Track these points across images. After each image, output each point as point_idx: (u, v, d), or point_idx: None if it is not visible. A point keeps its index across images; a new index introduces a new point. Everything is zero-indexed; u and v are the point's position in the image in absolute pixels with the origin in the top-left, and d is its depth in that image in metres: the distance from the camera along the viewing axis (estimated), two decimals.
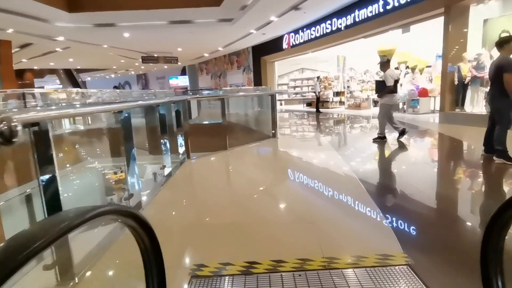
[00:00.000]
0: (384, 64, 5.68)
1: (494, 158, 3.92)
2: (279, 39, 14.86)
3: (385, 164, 4.69)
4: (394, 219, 2.52)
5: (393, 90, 5.66)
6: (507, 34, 6.47)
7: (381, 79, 5.78)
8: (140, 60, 17.66)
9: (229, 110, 8.57)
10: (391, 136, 6.05)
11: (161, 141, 4.27)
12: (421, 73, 11.38)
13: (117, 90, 6.21)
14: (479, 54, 6.88)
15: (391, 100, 5.74)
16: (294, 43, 13.89)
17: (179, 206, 3.23)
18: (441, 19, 7.57)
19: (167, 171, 4.13)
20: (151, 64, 19.40)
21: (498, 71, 3.75)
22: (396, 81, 5.69)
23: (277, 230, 2.43)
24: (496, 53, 6.88)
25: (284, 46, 14.64)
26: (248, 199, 3.23)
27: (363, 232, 2.33)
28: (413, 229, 2.35)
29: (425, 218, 2.65)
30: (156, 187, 3.67)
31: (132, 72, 29.95)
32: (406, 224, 2.43)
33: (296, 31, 13.57)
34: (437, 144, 6.03)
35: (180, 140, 5.09)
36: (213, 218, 2.79)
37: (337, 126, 9.66)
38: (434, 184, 3.66)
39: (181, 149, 5.06)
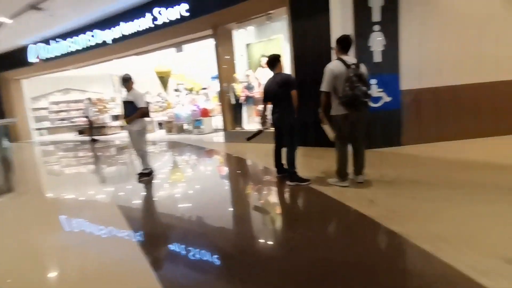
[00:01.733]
0: (128, 81, 4.43)
1: (288, 182, 3.69)
2: (23, 50, 11.16)
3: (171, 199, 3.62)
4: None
5: (147, 113, 4.70)
6: (265, 57, 7.13)
7: (128, 100, 4.47)
8: None
9: None
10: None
11: None
12: (197, 94, 11.51)
13: None
14: (247, 75, 7.31)
15: (144, 124, 4.66)
16: (48, 57, 10.75)
17: None
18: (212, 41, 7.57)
19: None
20: None
21: (284, 89, 3.55)
22: (148, 103, 4.81)
23: None
24: (259, 74, 7.64)
25: (33, 59, 11.10)
26: None
27: None
28: None
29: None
30: None
31: None
32: None
33: (46, 41, 10.53)
34: (236, 167, 5.65)
35: None
36: None
37: (119, 156, 7.92)
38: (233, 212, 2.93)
39: None
